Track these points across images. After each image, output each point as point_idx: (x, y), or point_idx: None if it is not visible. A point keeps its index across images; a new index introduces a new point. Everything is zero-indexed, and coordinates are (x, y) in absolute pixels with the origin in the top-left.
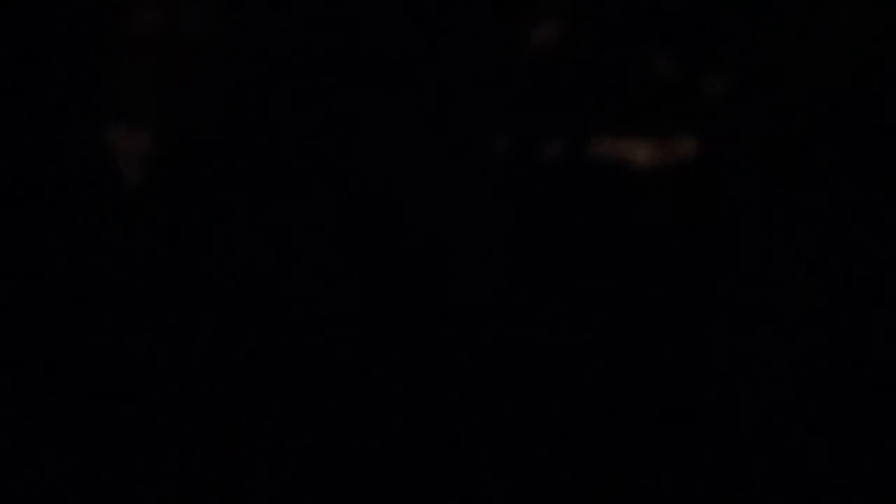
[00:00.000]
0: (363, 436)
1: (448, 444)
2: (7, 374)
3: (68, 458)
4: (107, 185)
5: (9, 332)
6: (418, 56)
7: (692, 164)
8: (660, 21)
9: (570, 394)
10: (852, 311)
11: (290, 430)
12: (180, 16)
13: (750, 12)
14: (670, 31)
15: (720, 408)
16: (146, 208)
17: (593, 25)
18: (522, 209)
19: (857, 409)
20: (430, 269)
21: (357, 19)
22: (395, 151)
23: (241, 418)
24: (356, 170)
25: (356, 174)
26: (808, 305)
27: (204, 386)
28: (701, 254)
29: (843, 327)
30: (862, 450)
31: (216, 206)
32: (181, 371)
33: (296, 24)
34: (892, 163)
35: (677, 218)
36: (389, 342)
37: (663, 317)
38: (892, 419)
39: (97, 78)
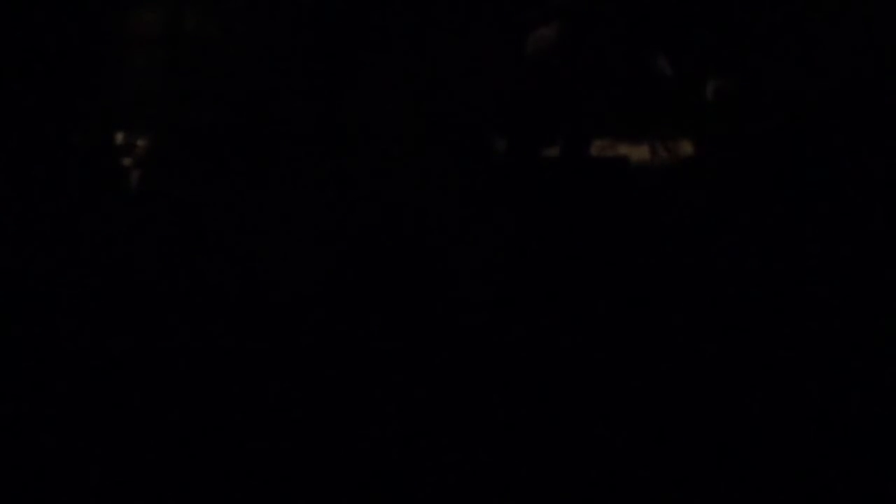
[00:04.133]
0: (361, 435)
1: (447, 443)
2: (7, 373)
3: (68, 458)
4: (107, 184)
5: (9, 330)
6: (418, 56)
7: (692, 164)
8: (660, 24)
9: (570, 392)
10: (852, 308)
11: (287, 430)
12: (181, 16)
13: (748, 16)
14: (670, 34)
15: (719, 406)
16: (146, 207)
17: (593, 27)
18: (522, 209)
19: (856, 408)
20: (430, 268)
21: (358, 20)
22: (395, 151)
23: (239, 417)
24: (356, 170)
25: (356, 174)
26: (806, 301)
27: (203, 384)
28: (700, 253)
29: (843, 324)
30: (862, 450)
31: (215, 205)
32: (181, 368)
33: (296, 24)
34: (890, 162)
35: (677, 218)
36: (388, 341)
37: (662, 315)
38: (892, 419)
39: (100, 78)
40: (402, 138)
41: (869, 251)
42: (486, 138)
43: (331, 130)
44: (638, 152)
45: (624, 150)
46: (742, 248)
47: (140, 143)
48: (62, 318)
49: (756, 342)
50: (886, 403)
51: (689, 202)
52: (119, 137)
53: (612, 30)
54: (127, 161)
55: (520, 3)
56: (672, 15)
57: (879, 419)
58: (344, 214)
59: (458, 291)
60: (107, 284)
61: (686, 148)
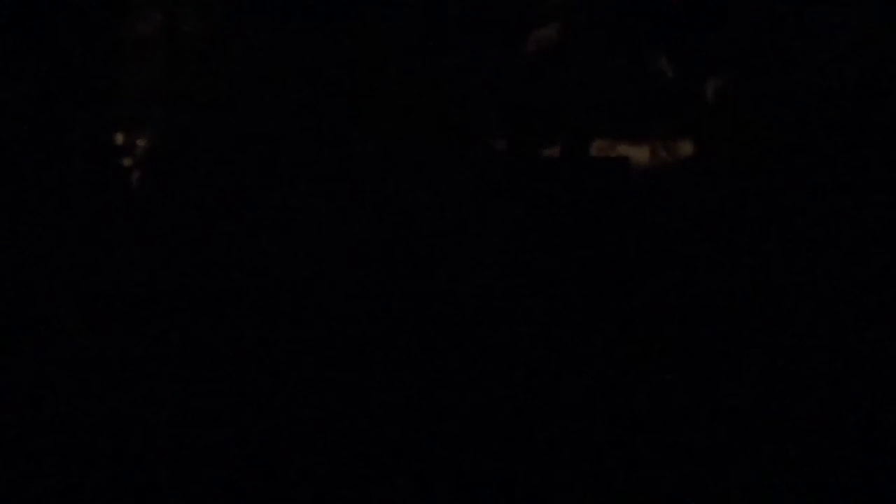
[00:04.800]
0: (360, 434)
1: (445, 444)
2: (7, 373)
3: (68, 458)
4: (107, 184)
5: (9, 330)
6: (419, 55)
7: (692, 164)
8: (660, 24)
9: (569, 391)
10: (851, 309)
11: (287, 429)
12: (181, 17)
13: (747, 16)
14: (670, 34)
15: (718, 406)
16: (147, 207)
17: (593, 27)
18: (522, 209)
19: (856, 408)
20: (430, 268)
21: (357, 20)
22: (394, 151)
23: (240, 418)
24: (356, 170)
25: (356, 174)
26: (805, 303)
27: (203, 385)
28: (699, 253)
29: (842, 325)
30: (861, 450)
31: (216, 205)
32: (181, 370)
33: (296, 24)
34: (889, 163)
35: (677, 218)
36: (387, 340)
37: (662, 315)
38: (892, 419)
39: (100, 78)
40: (402, 138)
41: (870, 252)
42: (486, 138)
43: (331, 130)
44: (638, 152)
45: (624, 150)
46: (742, 249)
47: (140, 143)
48: (62, 318)
49: (757, 343)
50: (887, 404)
51: (689, 202)
52: (119, 137)
53: (612, 30)
54: (127, 161)
55: (520, 3)
56: (672, 15)
57: (880, 420)
58: (344, 215)
59: (458, 291)
60: (107, 285)
61: (686, 148)
